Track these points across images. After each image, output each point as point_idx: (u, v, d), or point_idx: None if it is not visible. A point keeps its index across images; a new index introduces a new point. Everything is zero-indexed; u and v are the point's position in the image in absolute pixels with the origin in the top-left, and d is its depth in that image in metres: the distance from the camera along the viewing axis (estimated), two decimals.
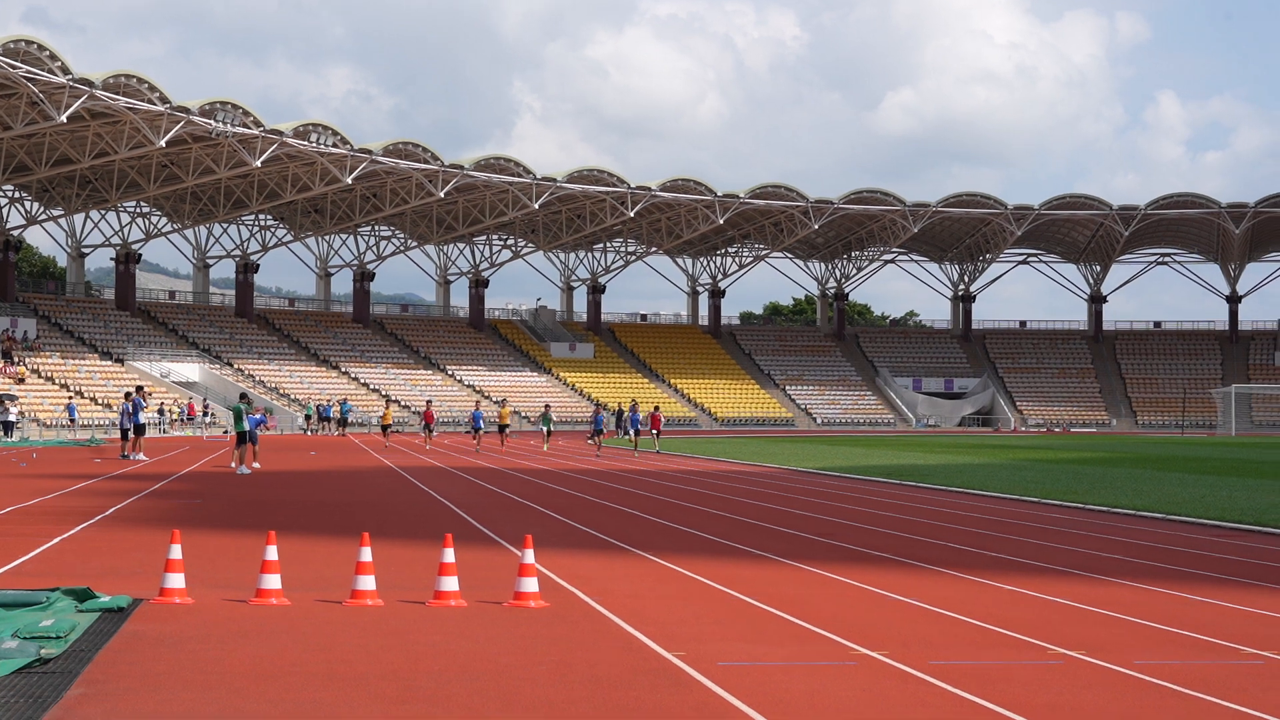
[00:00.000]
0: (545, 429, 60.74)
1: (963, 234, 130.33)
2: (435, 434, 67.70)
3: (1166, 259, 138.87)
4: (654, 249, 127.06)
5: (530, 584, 14.12)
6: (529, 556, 14.30)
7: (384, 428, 65.56)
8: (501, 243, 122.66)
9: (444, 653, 11.45)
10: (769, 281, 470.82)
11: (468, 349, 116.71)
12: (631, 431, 57.64)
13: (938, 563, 18.43)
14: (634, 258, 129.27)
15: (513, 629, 12.64)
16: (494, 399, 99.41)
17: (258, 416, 39.99)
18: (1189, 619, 13.77)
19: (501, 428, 63.45)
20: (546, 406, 65.49)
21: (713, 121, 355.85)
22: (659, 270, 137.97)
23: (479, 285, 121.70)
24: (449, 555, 14.23)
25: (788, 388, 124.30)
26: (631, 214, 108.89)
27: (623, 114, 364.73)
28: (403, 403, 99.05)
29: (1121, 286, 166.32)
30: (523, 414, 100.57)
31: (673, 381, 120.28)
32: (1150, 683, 10.58)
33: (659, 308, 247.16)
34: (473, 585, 14.98)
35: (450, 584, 14.10)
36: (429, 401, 66.25)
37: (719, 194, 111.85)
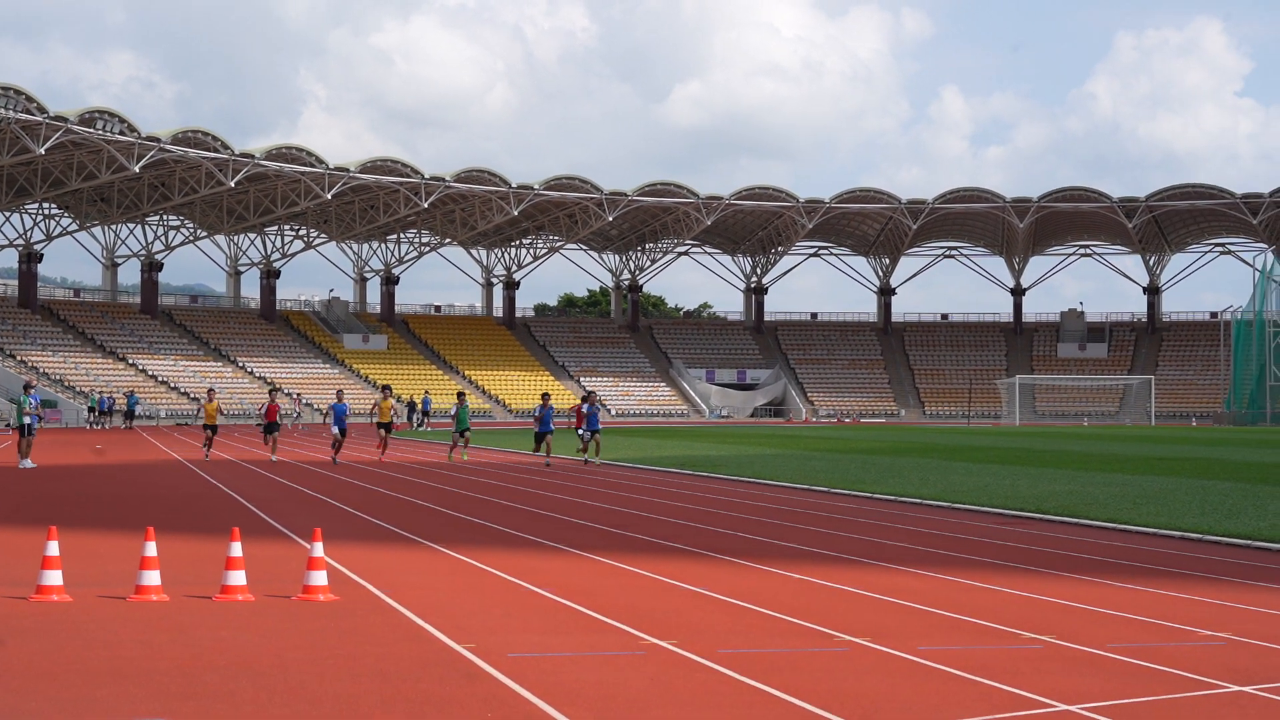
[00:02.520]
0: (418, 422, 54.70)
1: (755, 226, 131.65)
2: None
3: (953, 252, 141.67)
4: (448, 240, 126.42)
5: (319, 577, 13.97)
6: (318, 550, 14.15)
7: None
8: (294, 233, 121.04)
9: (230, 648, 11.27)
10: (563, 273, 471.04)
11: (259, 341, 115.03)
12: (588, 432, 42.30)
13: (728, 552, 18.60)
14: (428, 249, 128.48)
15: (301, 623, 12.49)
16: (289, 393, 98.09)
17: (32, 402, 38.44)
18: (971, 605, 14.06)
19: (384, 427, 44.15)
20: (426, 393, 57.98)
21: (502, 112, 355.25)
22: (453, 262, 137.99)
23: (270, 276, 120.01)
24: (236, 549, 14.02)
25: (582, 379, 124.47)
26: (425, 205, 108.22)
27: (410, 103, 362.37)
28: (192, 395, 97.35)
29: (910, 279, 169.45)
30: (314, 407, 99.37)
31: (467, 373, 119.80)
32: (933, 668, 10.77)
33: (453, 299, 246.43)
34: (261, 579, 14.77)
35: (237, 578, 13.90)
36: (274, 391, 51.10)
37: (513, 185, 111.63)
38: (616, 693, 9.85)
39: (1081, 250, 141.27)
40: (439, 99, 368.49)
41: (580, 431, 42.84)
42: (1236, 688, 10.09)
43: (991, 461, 41.89)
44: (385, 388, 46.15)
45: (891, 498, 28.30)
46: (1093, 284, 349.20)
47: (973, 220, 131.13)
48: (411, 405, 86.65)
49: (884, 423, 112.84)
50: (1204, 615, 13.45)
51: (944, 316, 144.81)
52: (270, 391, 48.76)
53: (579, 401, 46.17)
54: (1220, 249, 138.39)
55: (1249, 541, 19.72)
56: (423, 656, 11.04)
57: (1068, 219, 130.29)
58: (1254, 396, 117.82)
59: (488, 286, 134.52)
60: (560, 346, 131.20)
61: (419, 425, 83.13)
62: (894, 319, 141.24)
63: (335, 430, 42.05)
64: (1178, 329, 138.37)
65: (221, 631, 12.00)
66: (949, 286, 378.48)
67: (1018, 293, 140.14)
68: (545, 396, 43.36)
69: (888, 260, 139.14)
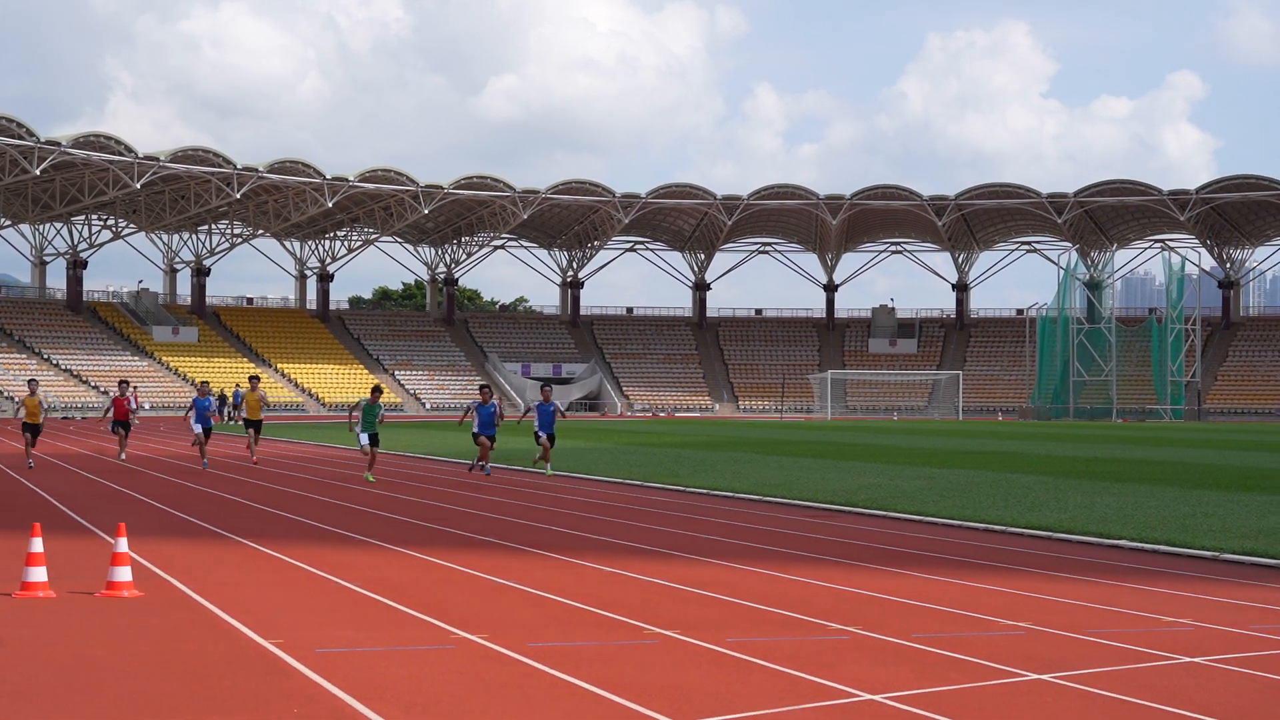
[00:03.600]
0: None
1: (572, 221, 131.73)
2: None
3: (768, 248, 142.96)
4: (261, 231, 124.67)
5: (123, 573, 13.73)
6: (122, 545, 13.90)
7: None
8: (101, 223, 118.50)
9: (29, 645, 11.04)
10: (379, 266, 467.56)
11: (66, 333, 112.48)
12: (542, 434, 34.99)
13: (540, 546, 18.61)
14: (240, 240, 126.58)
15: (104, 620, 12.27)
16: (100, 387, 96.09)
17: None
18: (781, 597, 14.22)
19: (252, 425, 38.29)
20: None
21: (314, 102, 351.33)
22: (266, 253, 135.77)
23: (77, 266, 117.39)
24: (37, 545, 13.74)
25: (397, 373, 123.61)
26: (238, 195, 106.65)
27: (219, 92, 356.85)
28: (6, 393, 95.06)
29: (725, 274, 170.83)
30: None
31: (280, 366, 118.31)
32: (741, 659, 10.88)
33: (266, 292, 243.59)
34: (63, 576, 14.48)
35: (38, 574, 13.61)
36: (124, 384, 42.15)
37: (328, 177, 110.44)
38: (426, 687, 9.81)
39: (893, 247, 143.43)
40: (249, 88, 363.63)
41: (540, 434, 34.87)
42: (1035, 676, 10.33)
43: (803, 455, 42.37)
44: (254, 379, 39.85)
45: (704, 491, 28.50)
46: (904, 280, 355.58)
47: (787, 217, 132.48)
48: (223, 399, 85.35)
49: (698, 417, 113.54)
50: (1005, 605, 13.74)
51: (758, 312, 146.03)
52: (120, 384, 41.11)
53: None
54: (1027, 247, 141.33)
55: (1049, 533, 20.19)
56: (229, 653, 10.90)
57: (879, 216, 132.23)
58: (1058, 392, 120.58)
59: (301, 279, 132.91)
60: (375, 340, 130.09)
61: (229, 419, 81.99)
62: (709, 314, 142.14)
63: (197, 428, 36.46)
64: (985, 325, 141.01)
65: (21, 630, 11.74)
66: (763, 282, 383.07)
67: (830, 289, 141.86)
68: (484, 389, 35.50)
69: (703, 256, 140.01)
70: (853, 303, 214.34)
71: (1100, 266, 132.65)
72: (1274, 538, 19.21)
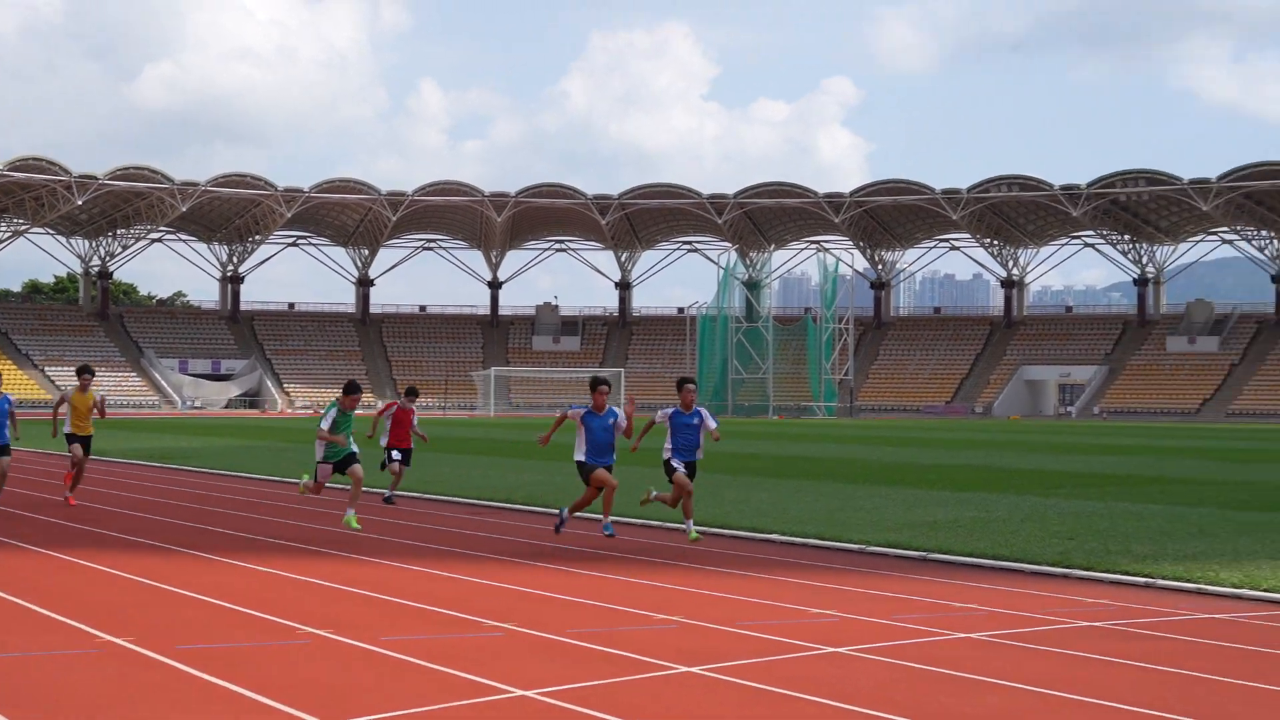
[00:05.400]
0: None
1: (232, 214, 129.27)
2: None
3: (433, 244, 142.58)
4: None
5: None
6: None
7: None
8: None
9: None
10: (29, 259, 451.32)
11: None
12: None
13: (194, 546, 18.19)
14: None
15: None
16: None
17: None
18: (437, 594, 14.17)
19: (77, 442, 24.71)
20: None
21: None
22: None
23: None
24: None
25: (47, 369, 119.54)
26: None
27: None
28: None
29: (389, 270, 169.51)
30: None
31: None
32: (396, 658, 10.80)
33: None
34: None
35: None
36: None
37: None
38: (69, 693, 9.49)
39: (557, 245, 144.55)
40: None
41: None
42: (685, 668, 10.49)
43: (466, 453, 42.35)
44: (84, 370, 25.00)
45: (367, 489, 28.23)
46: (568, 278, 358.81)
47: (452, 213, 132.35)
48: None
49: (361, 414, 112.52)
50: (658, 599, 13.93)
51: (422, 308, 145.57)
52: None
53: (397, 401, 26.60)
54: (688, 246, 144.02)
55: (705, 529, 20.55)
56: None
57: (544, 214, 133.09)
58: (717, 389, 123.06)
59: None
60: (23, 334, 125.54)
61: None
62: (372, 310, 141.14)
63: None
64: (647, 323, 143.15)
65: None
66: (428, 279, 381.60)
67: (495, 286, 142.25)
68: (602, 386, 19.34)
69: (367, 251, 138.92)
70: (517, 300, 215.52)
71: (759, 266, 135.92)
72: (918, 530, 19.92)
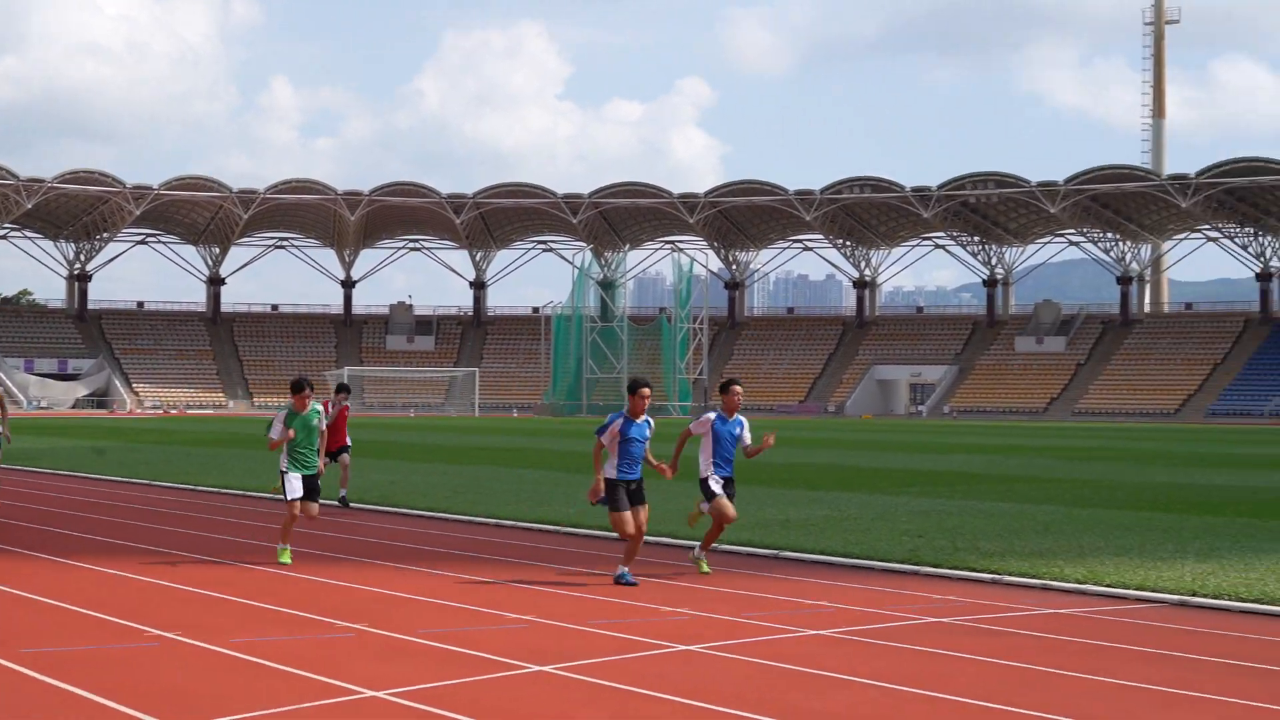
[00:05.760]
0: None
1: (80, 211, 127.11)
2: None
3: (285, 243, 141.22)
4: None
5: None
6: None
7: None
8: None
9: None
10: None
11: None
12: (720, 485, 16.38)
13: (36, 548, 17.88)
14: None
15: None
16: None
17: None
18: (287, 595, 14.04)
19: None
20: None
21: None
22: None
23: None
24: None
25: None
26: None
27: None
28: None
29: (241, 269, 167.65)
30: None
31: None
32: (245, 660, 10.70)
33: None
34: None
35: None
36: None
37: None
38: None
39: (411, 244, 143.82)
40: None
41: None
42: (537, 667, 10.50)
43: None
44: None
45: (214, 489, 27.96)
46: (422, 278, 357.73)
47: (305, 212, 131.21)
48: None
49: (212, 414, 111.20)
50: (513, 599, 13.92)
51: (275, 307, 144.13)
52: None
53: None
54: (543, 246, 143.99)
55: (557, 528, 20.58)
56: None
57: (398, 213, 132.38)
58: (572, 388, 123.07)
59: None
60: None
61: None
62: (224, 309, 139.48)
63: None
64: (502, 323, 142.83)
65: None
66: (281, 277, 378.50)
67: (348, 285, 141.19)
68: (642, 390, 15.96)
69: (218, 249, 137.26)
70: (371, 299, 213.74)
71: (613, 266, 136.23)
72: (770, 529, 20.09)
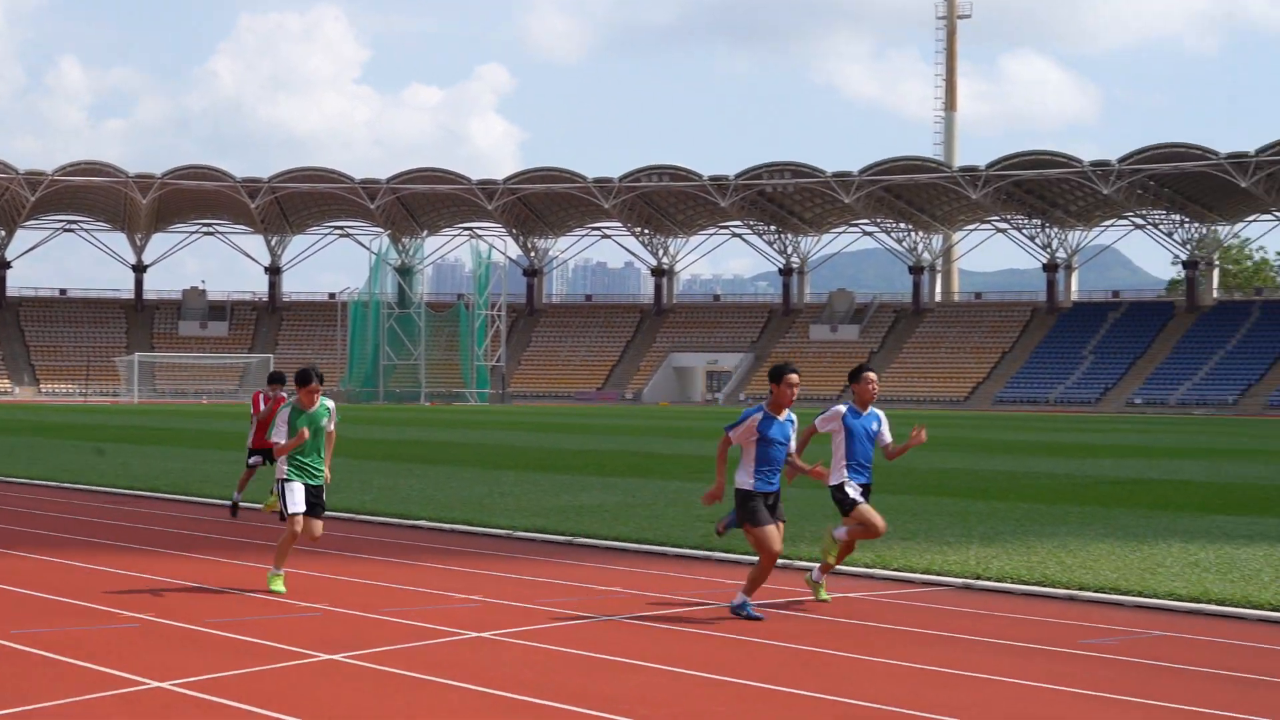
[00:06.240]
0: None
1: None
2: None
3: (74, 226, 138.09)
4: None
5: None
6: None
7: None
8: None
9: None
10: None
11: None
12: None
13: None
14: None
15: None
16: None
17: None
18: (72, 585, 13.75)
19: None
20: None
21: None
22: None
23: None
24: None
25: None
26: None
27: None
28: None
29: (28, 252, 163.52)
30: None
31: None
32: (25, 651, 10.46)
33: None
34: None
35: None
36: None
37: None
38: None
39: (205, 229, 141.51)
40: None
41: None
42: (327, 656, 10.42)
43: (109, 440, 41.22)
44: None
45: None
46: (216, 262, 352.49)
47: (95, 194, 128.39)
48: None
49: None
50: (301, 587, 13.74)
51: (63, 292, 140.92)
52: None
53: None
54: (340, 231, 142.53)
55: (351, 515, 20.42)
56: None
57: (191, 197, 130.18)
58: (369, 375, 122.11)
59: None
60: None
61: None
62: (9, 293, 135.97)
63: None
64: (298, 308, 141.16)
65: None
66: (70, 261, 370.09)
67: (140, 269, 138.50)
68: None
69: (3, 232, 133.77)
70: (163, 284, 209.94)
71: (411, 252, 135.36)
72: (565, 515, 20.14)
